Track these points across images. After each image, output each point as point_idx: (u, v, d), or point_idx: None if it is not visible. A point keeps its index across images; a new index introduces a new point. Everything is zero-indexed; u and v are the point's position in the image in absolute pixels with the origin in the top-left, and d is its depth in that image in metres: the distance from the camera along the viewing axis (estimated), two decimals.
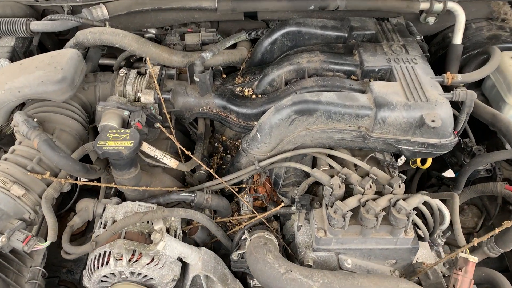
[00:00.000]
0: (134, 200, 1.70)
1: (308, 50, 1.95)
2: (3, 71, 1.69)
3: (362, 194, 1.49)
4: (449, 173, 2.43)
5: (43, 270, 1.57)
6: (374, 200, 1.46)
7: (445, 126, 1.56)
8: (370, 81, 1.77)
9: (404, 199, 1.47)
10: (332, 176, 1.58)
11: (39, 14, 2.04)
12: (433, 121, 1.52)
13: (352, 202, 1.45)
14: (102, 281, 1.53)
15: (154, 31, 2.22)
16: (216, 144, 2.15)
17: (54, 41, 2.17)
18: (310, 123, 1.62)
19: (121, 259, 1.46)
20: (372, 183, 1.52)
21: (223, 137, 2.15)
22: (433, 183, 2.50)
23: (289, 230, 1.78)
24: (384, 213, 1.42)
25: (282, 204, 1.67)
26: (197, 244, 1.80)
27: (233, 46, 2.07)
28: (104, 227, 1.57)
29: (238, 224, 1.79)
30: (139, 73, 1.90)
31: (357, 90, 1.73)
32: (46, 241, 1.44)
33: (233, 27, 2.30)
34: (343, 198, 1.49)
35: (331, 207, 1.46)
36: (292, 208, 1.67)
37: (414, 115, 1.56)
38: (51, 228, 1.44)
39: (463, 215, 2.20)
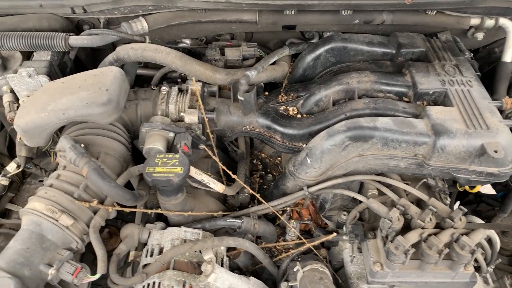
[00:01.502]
0: (178, 225, 1.65)
1: (355, 68, 1.88)
2: (44, 90, 1.63)
3: (422, 228, 1.44)
4: (485, 188, 2.37)
5: None
6: (435, 234, 1.41)
7: (506, 155, 1.50)
8: (423, 104, 1.71)
9: (466, 234, 1.41)
10: (384, 203, 1.53)
11: (74, 25, 1.97)
12: (496, 151, 1.46)
13: (413, 237, 1.40)
14: None
15: (188, 42, 2.15)
16: (254, 161, 2.09)
17: (87, 51, 2.11)
18: (365, 149, 1.56)
19: None
20: (432, 215, 1.46)
21: (262, 154, 2.09)
22: (470, 200, 2.44)
23: (335, 257, 1.73)
24: (447, 250, 1.37)
25: (334, 234, 1.61)
26: (239, 269, 1.76)
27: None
28: (151, 255, 1.53)
29: (284, 251, 1.73)
30: (180, 90, 1.84)
31: (411, 114, 1.66)
32: (93, 273, 1.39)
33: (267, 37, 2.23)
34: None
35: (391, 241, 1.41)
36: (344, 237, 1.61)
37: (474, 144, 1.50)
38: (101, 259, 1.39)
39: (506, 237, 2.14)
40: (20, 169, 1.84)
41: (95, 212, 1.49)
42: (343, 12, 1.87)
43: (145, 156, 1.65)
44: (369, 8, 1.84)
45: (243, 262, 1.75)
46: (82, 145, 1.46)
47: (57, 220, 1.38)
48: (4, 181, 1.88)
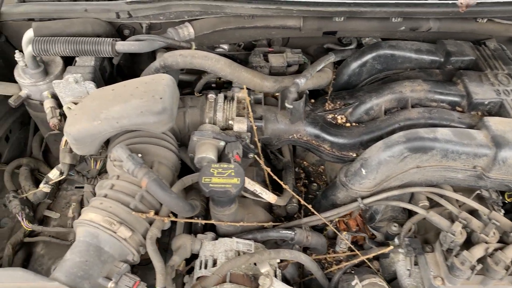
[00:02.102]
0: (228, 235, 1.62)
1: (404, 76, 1.85)
2: (93, 98, 1.60)
3: (486, 242, 1.41)
4: None
5: None
6: (500, 249, 1.37)
7: None
8: (478, 114, 1.68)
9: None
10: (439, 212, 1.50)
11: (115, 30, 1.94)
12: None
13: (478, 252, 1.37)
14: None
15: (226, 47, 2.12)
16: (296, 170, 2.06)
17: (126, 56, 2.08)
18: (423, 161, 1.53)
19: None
20: (495, 229, 1.43)
21: (305, 162, 2.06)
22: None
23: (386, 269, 1.70)
24: None
25: (391, 247, 1.58)
26: (287, 281, 1.73)
27: None
28: (205, 267, 1.49)
29: (335, 263, 1.70)
30: (225, 97, 1.81)
31: (466, 124, 1.64)
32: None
33: (304, 42, 2.20)
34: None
35: (456, 256, 1.38)
36: (400, 249, 1.58)
37: None
38: (160, 273, 1.35)
39: None
40: (63, 177, 1.80)
41: (150, 223, 1.46)
42: (393, 19, 1.84)
43: (197, 165, 1.63)
44: (421, 16, 1.82)
45: (291, 273, 1.72)
46: (140, 155, 1.43)
47: (115, 232, 1.34)
48: (46, 188, 1.85)
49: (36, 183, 2.08)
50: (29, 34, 1.79)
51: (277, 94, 1.92)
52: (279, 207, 1.81)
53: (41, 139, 2.31)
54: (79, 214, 2.00)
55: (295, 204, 1.76)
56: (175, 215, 1.51)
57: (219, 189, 1.42)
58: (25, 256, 1.90)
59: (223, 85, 2.07)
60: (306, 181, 2.03)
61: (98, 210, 1.38)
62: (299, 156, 2.07)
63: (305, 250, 1.75)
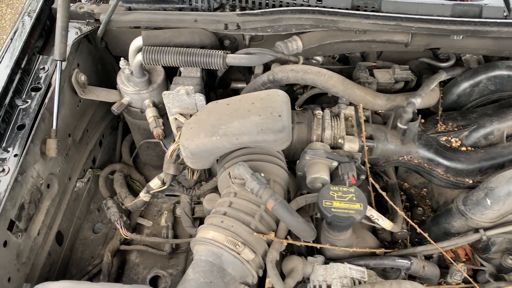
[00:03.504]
0: (336, 259, 1.56)
1: None
2: (209, 111, 1.57)
3: None
4: None
5: None
6: None
7: None
8: None
9: None
10: None
11: (217, 40, 1.92)
12: None
13: None
14: None
15: (320, 59, 2.06)
16: None
17: None
18: None
19: None
20: None
21: (405, 184, 1.98)
22: None
23: None
24: None
25: None
26: None
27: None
28: None
29: None
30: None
31: None
32: None
33: (397, 55, 2.12)
34: None
35: None
36: None
37: None
38: None
39: None
40: (165, 187, 1.80)
41: (267, 244, 1.42)
42: None
43: (308, 185, 1.58)
44: None
45: None
46: (262, 174, 1.39)
47: (239, 254, 1.31)
48: (146, 198, 1.85)
49: (130, 189, 2.10)
50: (137, 42, 1.79)
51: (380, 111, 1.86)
52: (384, 231, 1.73)
53: (130, 144, 2.33)
54: (172, 224, 2.03)
55: (405, 230, 1.68)
56: (290, 236, 1.47)
57: (342, 214, 1.36)
58: (119, 263, 1.91)
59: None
60: (408, 204, 1.94)
61: (221, 229, 1.35)
62: (400, 177, 1.99)
63: (412, 278, 1.68)
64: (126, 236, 1.87)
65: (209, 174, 2.06)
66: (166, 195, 2.16)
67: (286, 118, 1.48)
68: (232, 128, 1.47)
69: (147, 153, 2.21)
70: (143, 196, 1.84)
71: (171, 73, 1.94)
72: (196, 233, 1.90)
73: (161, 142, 2.05)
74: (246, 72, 2.14)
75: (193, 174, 1.93)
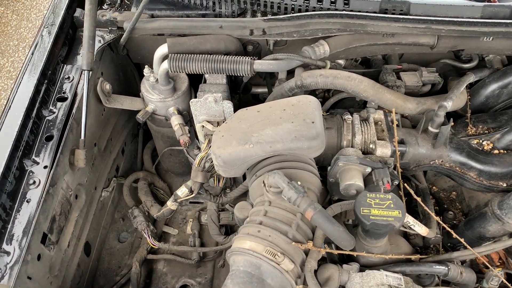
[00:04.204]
0: (370, 266, 1.54)
1: None
2: (239, 119, 1.56)
3: None
4: None
5: None
6: None
7: None
8: None
9: None
10: None
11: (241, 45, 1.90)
12: None
13: None
14: None
15: (342, 62, 2.05)
16: None
17: None
18: None
19: None
20: None
21: (434, 187, 1.96)
22: None
23: None
24: None
25: None
26: None
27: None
28: None
29: None
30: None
31: None
32: None
33: (418, 57, 2.10)
34: None
35: None
36: None
37: None
38: None
39: None
40: (193, 195, 1.78)
41: (305, 253, 1.40)
42: None
43: (342, 192, 1.56)
44: None
45: None
46: (299, 183, 1.37)
47: (279, 264, 1.29)
48: (174, 206, 1.83)
49: (154, 198, 2.08)
50: (162, 50, 1.77)
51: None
52: (417, 236, 1.71)
53: (151, 152, 2.32)
54: (199, 231, 2.01)
55: (439, 236, 1.66)
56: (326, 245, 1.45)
57: (381, 222, 1.34)
58: (146, 273, 1.90)
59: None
60: (438, 208, 1.92)
61: (258, 239, 1.33)
62: (429, 181, 1.96)
63: (446, 283, 1.65)
64: (153, 245, 1.86)
65: (234, 181, 2.05)
66: (190, 202, 2.14)
67: (319, 125, 1.46)
68: (265, 135, 1.45)
69: (169, 160, 2.19)
70: (171, 204, 1.82)
71: (194, 80, 1.93)
72: (223, 241, 1.90)
73: (184, 149, 2.04)
74: (268, 77, 2.13)
75: (218, 182, 1.92)
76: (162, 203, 2.05)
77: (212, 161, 1.71)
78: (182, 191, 1.81)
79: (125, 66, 2.14)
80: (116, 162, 2.08)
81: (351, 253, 1.47)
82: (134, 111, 1.98)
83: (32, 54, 1.78)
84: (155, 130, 2.03)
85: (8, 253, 1.34)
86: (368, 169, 1.56)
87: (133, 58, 2.12)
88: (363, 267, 1.52)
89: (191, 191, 1.79)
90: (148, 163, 2.25)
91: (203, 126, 1.76)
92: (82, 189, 1.73)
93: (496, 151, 1.68)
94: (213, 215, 1.91)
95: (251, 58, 1.69)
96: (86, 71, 1.64)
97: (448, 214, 1.87)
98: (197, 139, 1.99)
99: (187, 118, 1.93)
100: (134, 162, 2.31)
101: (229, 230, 2.00)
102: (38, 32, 1.85)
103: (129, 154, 2.27)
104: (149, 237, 1.85)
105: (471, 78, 1.82)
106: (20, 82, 1.68)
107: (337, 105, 2.02)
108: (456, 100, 1.78)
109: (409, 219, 1.50)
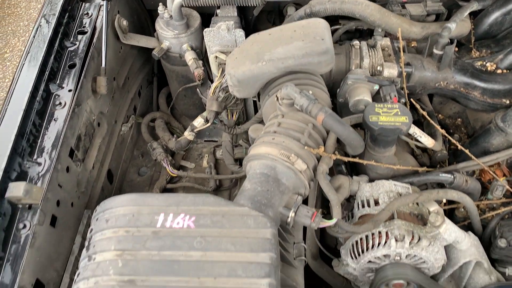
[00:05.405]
0: (378, 179, 1.62)
1: None
2: (252, 42, 1.63)
3: None
4: None
5: (304, 246, 1.53)
6: None
7: None
8: None
9: None
10: None
11: None
12: None
13: None
14: (370, 261, 1.47)
15: None
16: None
17: None
18: None
19: (403, 241, 1.39)
20: None
21: (440, 115, 2.03)
22: None
23: None
24: None
25: None
26: None
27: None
28: (364, 206, 1.51)
29: (487, 210, 1.67)
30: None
31: None
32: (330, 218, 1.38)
33: None
34: None
35: None
36: None
37: None
38: (336, 205, 1.38)
39: None
40: (209, 124, 1.86)
41: (317, 160, 1.48)
42: None
43: (351, 109, 1.64)
44: None
45: None
46: (310, 92, 1.45)
47: (293, 164, 1.37)
48: (191, 136, 1.92)
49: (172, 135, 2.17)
50: None
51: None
52: (424, 156, 1.79)
53: (166, 96, 2.41)
54: (215, 164, 2.10)
55: (445, 151, 1.73)
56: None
57: (389, 127, 1.42)
58: None
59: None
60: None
61: (273, 144, 1.41)
62: (435, 109, 2.03)
63: None
64: (172, 173, 1.95)
65: (246, 117, 2.14)
66: (205, 140, 2.23)
67: (328, 41, 1.53)
68: (277, 53, 1.53)
69: (184, 102, 2.28)
70: (188, 134, 1.91)
71: (205, 22, 2.00)
72: (238, 170, 1.99)
73: (198, 90, 2.13)
74: (277, 21, 2.20)
75: (232, 115, 2.00)
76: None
77: (226, 92, 1.80)
78: (198, 122, 1.89)
79: (139, 12, 2.22)
80: (133, 102, 2.18)
81: (360, 161, 1.55)
82: (148, 57, 2.06)
83: None
84: (170, 69, 2.12)
85: (39, 164, 1.45)
86: (376, 87, 1.63)
87: (146, 3, 2.20)
88: (372, 181, 1.61)
89: (206, 121, 1.87)
90: (164, 106, 2.34)
91: (216, 56, 1.84)
92: (104, 118, 1.83)
93: (499, 71, 1.75)
94: (228, 146, 2.00)
95: None
96: (105, 1, 1.72)
97: (453, 137, 1.93)
98: (210, 80, 2.07)
99: (200, 57, 2.01)
100: (150, 107, 2.40)
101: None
102: None
103: (145, 98, 2.36)
104: (168, 165, 1.95)
105: (475, 5, 1.87)
106: (42, 17, 1.77)
107: None
108: (459, 26, 1.84)
109: (416, 130, 1.58)
